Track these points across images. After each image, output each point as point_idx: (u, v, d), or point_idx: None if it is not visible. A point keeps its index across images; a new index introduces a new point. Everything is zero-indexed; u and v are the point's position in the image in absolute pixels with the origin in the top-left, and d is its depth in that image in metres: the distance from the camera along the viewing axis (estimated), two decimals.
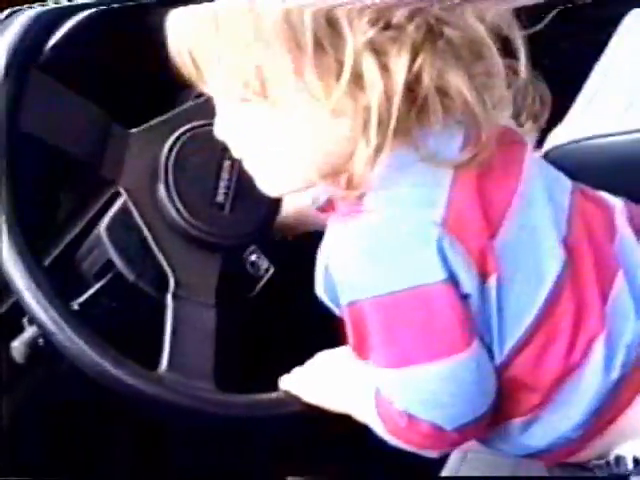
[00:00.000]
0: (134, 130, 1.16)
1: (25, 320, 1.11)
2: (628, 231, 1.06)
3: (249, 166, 0.99)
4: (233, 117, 0.96)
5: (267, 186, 0.99)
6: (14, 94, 1.06)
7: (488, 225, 0.94)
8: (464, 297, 0.94)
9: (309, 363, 1.10)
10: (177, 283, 1.12)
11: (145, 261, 1.15)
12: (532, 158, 1.01)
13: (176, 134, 1.16)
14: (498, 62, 0.93)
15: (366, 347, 0.97)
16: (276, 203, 1.16)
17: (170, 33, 0.94)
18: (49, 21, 1.11)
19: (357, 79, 0.88)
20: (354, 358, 1.03)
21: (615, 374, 0.99)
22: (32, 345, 1.10)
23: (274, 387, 1.09)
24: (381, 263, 0.92)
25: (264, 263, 1.21)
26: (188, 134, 1.16)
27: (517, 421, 1.02)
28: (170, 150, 1.15)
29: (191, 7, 0.93)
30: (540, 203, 0.99)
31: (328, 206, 0.99)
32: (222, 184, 1.16)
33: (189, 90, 1.19)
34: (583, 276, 1.00)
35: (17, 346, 1.11)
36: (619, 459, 1.02)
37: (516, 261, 0.96)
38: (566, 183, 1.04)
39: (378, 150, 0.89)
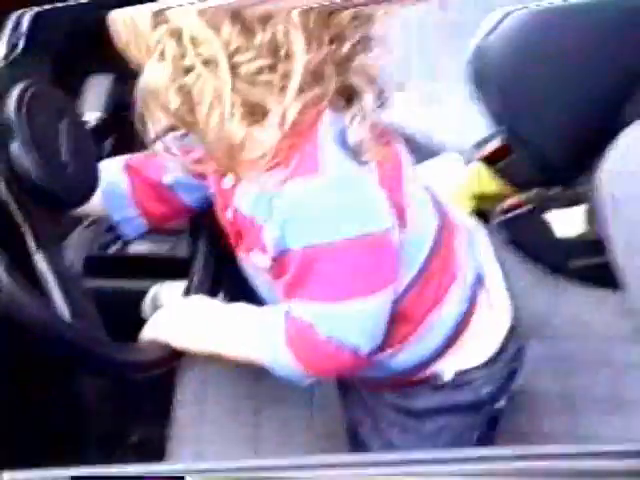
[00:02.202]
0: None
1: None
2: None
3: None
4: None
5: None
6: None
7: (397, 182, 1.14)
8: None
9: (164, 311, 1.22)
10: (37, 237, 1.16)
11: None
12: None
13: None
14: None
15: (302, 285, 1.10)
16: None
17: None
18: None
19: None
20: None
21: (463, 307, 1.24)
22: None
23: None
24: (339, 214, 1.08)
25: None
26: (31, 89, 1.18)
27: (389, 349, 1.21)
28: (19, 107, 1.16)
29: None
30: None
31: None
32: (64, 145, 1.20)
33: None
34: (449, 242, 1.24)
35: None
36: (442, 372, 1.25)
37: (413, 218, 1.16)
38: None
39: None
